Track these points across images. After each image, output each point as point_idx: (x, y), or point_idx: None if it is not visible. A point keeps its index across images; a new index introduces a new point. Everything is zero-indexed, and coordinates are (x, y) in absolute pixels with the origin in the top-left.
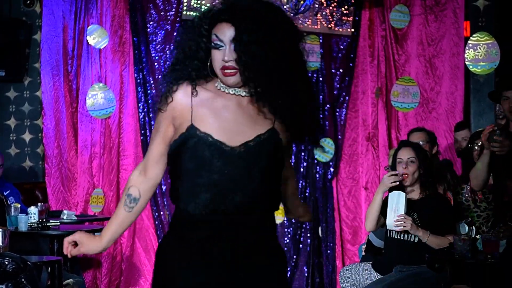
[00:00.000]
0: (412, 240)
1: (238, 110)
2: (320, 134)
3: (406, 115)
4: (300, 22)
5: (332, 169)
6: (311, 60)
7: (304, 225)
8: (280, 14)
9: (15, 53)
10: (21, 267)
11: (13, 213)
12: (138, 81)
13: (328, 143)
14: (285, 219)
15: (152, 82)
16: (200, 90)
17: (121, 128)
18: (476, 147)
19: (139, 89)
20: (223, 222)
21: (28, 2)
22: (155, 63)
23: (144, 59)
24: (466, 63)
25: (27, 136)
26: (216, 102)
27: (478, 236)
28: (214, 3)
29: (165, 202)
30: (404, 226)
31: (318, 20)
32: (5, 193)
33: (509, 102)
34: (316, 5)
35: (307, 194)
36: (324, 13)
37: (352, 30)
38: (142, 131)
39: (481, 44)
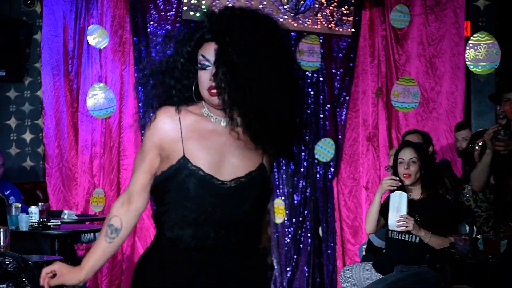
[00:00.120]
0: (413, 240)
1: (228, 140)
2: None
3: (407, 115)
4: (300, 22)
5: (332, 169)
6: (311, 60)
7: (304, 225)
8: (270, 26)
9: (16, 53)
10: (22, 267)
11: (14, 213)
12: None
13: (328, 143)
14: (286, 218)
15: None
16: (186, 112)
17: (121, 127)
18: (477, 147)
19: (140, 89)
20: (206, 259)
21: (29, 2)
22: (156, 74)
23: (144, 59)
24: (467, 63)
25: (27, 136)
26: (203, 127)
27: (479, 236)
28: (211, 8)
29: None
30: (406, 227)
31: (319, 20)
32: (6, 193)
33: (510, 104)
34: (316, 5)
35: (307, 194)
36: (324, 13)
37: (353, 30)
38: (143, 131)
39: (482, 44)
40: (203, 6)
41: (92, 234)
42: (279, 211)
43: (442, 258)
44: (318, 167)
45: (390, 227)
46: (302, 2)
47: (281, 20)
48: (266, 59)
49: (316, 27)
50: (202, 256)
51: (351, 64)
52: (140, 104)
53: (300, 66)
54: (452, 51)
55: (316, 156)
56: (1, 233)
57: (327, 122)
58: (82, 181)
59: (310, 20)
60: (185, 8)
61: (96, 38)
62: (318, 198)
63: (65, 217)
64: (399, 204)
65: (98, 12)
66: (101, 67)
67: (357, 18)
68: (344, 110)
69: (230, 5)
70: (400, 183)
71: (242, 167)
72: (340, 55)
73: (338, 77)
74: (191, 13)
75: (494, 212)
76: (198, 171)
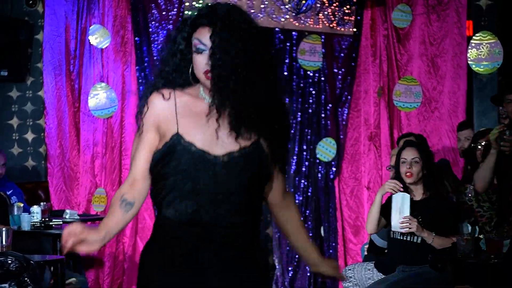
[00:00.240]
0: (415, 240)
1: (223, 120)
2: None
3: (408, 114)
4: (302, 21)
5: (334, 169)
6: (313, 60)
7: (306, 225)
8: (254, 24)
9: (18, 53)
10: (24, 266)
11: (16, 212)
12: (140, 80)
13: (330, 143)
14: None
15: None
16: (181, 93)
17: (123, 127)
18: (479, 147)
19: (141, 89)
20: (202, 234)
21: (31, 2)
22: (157, 63)
23: (146, 59)
24: (469, 62)
25: (29, 136)
26: (198, 106)
27: (481, 236)
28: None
29: None
30: (409, 228)
31: (320, 19)
32: (8, 193)
33: None
34: (318, 5)
35: (309, 193)
36: (326, 12)
37: (354, 29)
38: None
39: (484, 44)
40: (190, 13)
41: None
42: None
43: (444, 258)
44: (320, 166)
45: (393, 228)
46: (303, 1)
47: (283, 20)
48: (255, 46)
49: (317, 26)
50: (198, 231)
51: (352, 64)
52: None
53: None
54: (454, 50)
55: (318, 156)
56: (3, 232)
57: (328, 122)
58: (84, 181)
59: (311, 20)
60: (187, 7)
61: (98, 38)
62: (320, 197)
63: (67, 216)
64: (401, 205)
65: (100, 12)
66: (102, 67)
67: (358, 17)
68: (346, 109)
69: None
70: (402, 189)
71: (235, 143)
72: (342, 54)
73: (339, 77)
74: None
75: (497, 212)
76: (190, 147)
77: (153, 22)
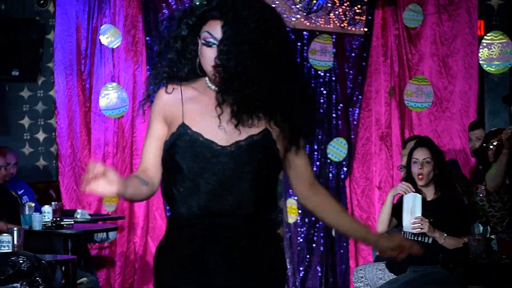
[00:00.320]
0: (426, 241)
1: (229, 109)
2: (313, 130)
3: (420, 114)
4: (313, 21)
5: (345, 169)
6: (324, 60)
7: (317, 225)
8: (272, 13)
9: (29, 53)
10: (36, 266)
11: (27, 212)
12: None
13: (341, 143)
14: (299, 218)
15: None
16: (187, 87)
17: (134, 127)
18: (491, 147)
19: (151, 88)
20: (214, 226)
21: (42, 1)
22: (157, 42)
23: (156, 59)
24: (480, 62)
25: (40, 136)
26: (205, 98)
27: (493, 236)
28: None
29: None
30: (421, 229)
31: (331, 19)
32: (19, 192)
33: None
34: (329, 4)
35: None
36: (337, 12)
37: (365, 29)
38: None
39: (496, 43)
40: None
41: (105, 233)
42: (292, 211)
43: (456, 259)
44: (331, 166)
45: (405, 229)
46: (314, 1)
47: (293, 19)
48: (269, 40)
49: (328, 26)
50: (204, 233)
51: (363, 64)
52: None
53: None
54: (466, 50)
55: (329, 156)
56: (15, 232)
57: (339, 122)
58: None
59: (322, 20)
60: None
61: (109, 37)
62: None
63: (78, 216)
64: (413, 205)
65: (111, 12)
66: (113, 66)
67: (369, 17)
68: (357, 109)
69: None
70: (414, 190)
71: (242, 132)
72: (353, 54)
73: (350, 77)
74: None
75: (508, 212)
76: (198, 136)
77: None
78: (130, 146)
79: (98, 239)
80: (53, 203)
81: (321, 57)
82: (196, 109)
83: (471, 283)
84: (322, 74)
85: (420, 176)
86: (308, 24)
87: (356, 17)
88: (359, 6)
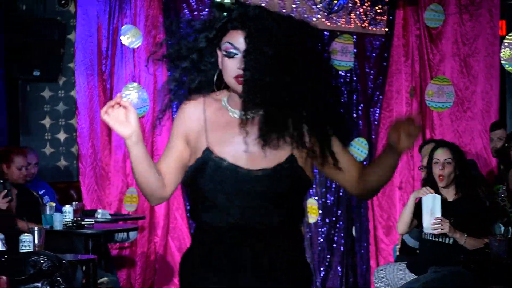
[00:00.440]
0: (447, 241)
1: (254, 128)
2: (349, 133)
3: (441, 114)
4: (334, 21)
5: None
6: (345, 60)
7: (338, 225)
8: (293, 23)
9: (50, 53)
10: (57, 266)
11: (48, 212)
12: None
13: (362, 143)
14: (319, 218)
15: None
16: (210, 104)
17: (155, 127)
18: None
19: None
20: (241, 239)
21: (63, 2)
22: (171, 48)
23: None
24: (502, 62)
25: (61, 136)
26: (225, 119)
27: None
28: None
29: None
30: (442, 229)
31: (352, 19)
32: (40, 192)
33: None
34: (350, 4)
35: (340, 194)
36: (357, 12)
37: (386, 29)
38: None
39: None
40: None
41: (125, 233)
42: (312, 211)
43: (477, 259)
44: None
45: (425, 230)
46: (335, 1)
47: (314, 19)
48: (294, 51)
49: (349, 26)
50: (234, 240)
51: (384, 64)
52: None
53: (332, 65)
54: (487, 50)
55: None
56: (36, 232)
57: (360, 122)
58: (116, 181)
59: (343, 20)
60: None
61: (130, 38)
62: (352, 198)
63: (99, 216)
64: (433, 206)
65: (132, 12)
66: (134, 67)
67: (391, 17)
68: (378, 109)
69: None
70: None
71: (269, 159)
72: (374, 54)
73: (371, 77)
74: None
75: None
76: (222, 162)
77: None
78: (150, 146)
79: (119, 239)
80: (74, 203)
81: (342, 57)
82: (219, 132)
83: (492, 284)
84: (343, 74)
85: (440, 177)
86: (329, 24)
87: (377, 17)
88: (380, 6)
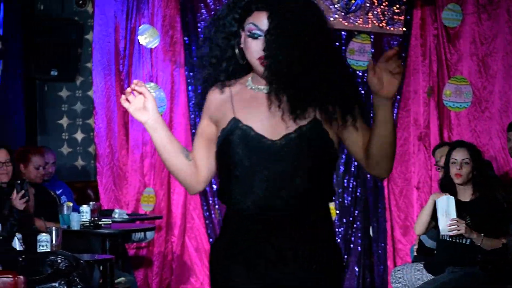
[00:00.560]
0: (464, 242)
1: (276, 103)
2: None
3: (459, 114)
4: (351, 21)
5: None
6: (362, 60)
7: (355, 225)
8: (315, 8)
9: (67, 53)
10: (74, 266)
11: (65, 212)
12: (189, 80)
13: None
14: (336, 218)
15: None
16: (235, 84)
17: (172, 127)
18: None
19: (190, 89)
20: (269, 221)
21: (81, 2)
22: (204, 44)
23: (195, 59)
24: None
25: (79, 135)
26: (252, 93)
27: None
28: None
29: (216, 202)
30: (458, 230)
31: (369, 19)
32: (58, 192)
33: None
34: (367, 4)
35: (358, 194)
36: (375, 12)
37: (404, 29)
38: (193, 130)
39: None
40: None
41: (142, 233)
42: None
43: (494, 259)
44: None
45: (442, 232)
46: (353, 1)
47: (332, 19)
48: (314, 31)
49: (367, 26)
50: (259, 227)
51: (402, 64)
52: (191, 104)
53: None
54: (505, 49)
55: None
56: (53, 232)
57: None
58: (133, 180)
59: (361, 19)
60: None
61: (147, 38)
62: (369, 198)
63: (116, 216)
64: (447, 208)
65: (149, 12)
66: (152, 66)
67: (408, 17)
68: (395, 109)
69: None
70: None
71: (291, 123)
72: None
73: None
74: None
75: None
76: (249, 131)
77: (202, 22)
78: None
79: (136, 239)
80: (91, 203)
81: (359, 57)
82: (244, 105)
83: (509, 284)
84: (360, 74)
85: (456, 174)
86: (346, 24)
87: (394, 17)
88: (397, 6)
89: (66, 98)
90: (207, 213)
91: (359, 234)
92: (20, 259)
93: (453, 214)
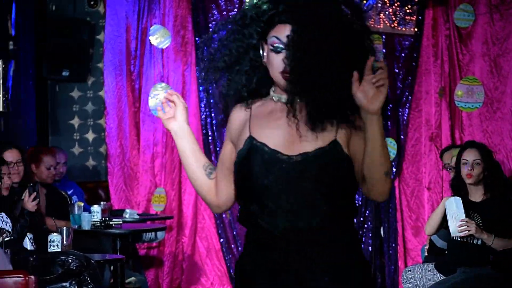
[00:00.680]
0: (475, 242)
1: (298, 119)
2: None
3: (470, 115)
4: None
5: (394, 169)
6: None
7: (366, 225)
8: (341, 17)
9: (79, 53)
10: (85, 265)
11: (76, 212)
12: (200, 81)
13: (390, 143)
14: None
15: (214, 82)
16: (257, 101)
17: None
18: None
19: (201, 89)
20: (292, 240)
21: (92, 2)
22: (216, 54)
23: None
24: None
25: (90, 136)
26: (269, 109)
27: None
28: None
29: None
30: (468, 231)
31: (381, 19)
32: (69, 192)
33: None
34: (379, 4)
35: None
36: (387, 12)
37: (416, 29)
38: (204, 131)
39: None
40: (264, 6)
41: (153, 233)
42: None
43: (506, 259)
44: None
45: (453, 234)
46: (364, 1)
47: None
48: (338, 44)
49: (378, 26)
50: (284, 244)
51: (413, 64)
52: (202, 104)
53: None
54: None
55: None
56: (64, 231)
57: (389, 122)
58: (144, 181)
59: (372, 20)
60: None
61: (159, 38)
62: None
63: (127, 216)
64: (456, 209)
65: (161, 12)
66: (163, 67)
67: (420, 17)
68: (407, 110)
69: None
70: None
71: (311, 143)
72: (403, 54)
73: (400, 77)
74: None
75: None
76: (263, 147)
77: (213, 22)
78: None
79: (147, 239)
80: (102, 203)
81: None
82: (261, 121)
83: None
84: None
85: (468, 175)
86: None
87: (406, 17)
88: (409, 6)
89: (77, 99)
90: (218, 214)
91: (370, 235)
92: (31, 259)
93: (462, 215)
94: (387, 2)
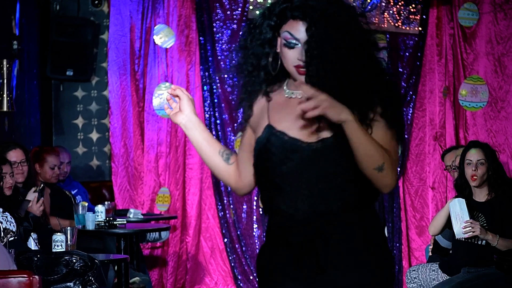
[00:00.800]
0: (479, 242)
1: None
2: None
3: (474, 114)
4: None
5: (398, 169)
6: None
7: None
8: (352, 13)
9: (83, 53)
10: (89, 265)
11: (80, 212)
12: (204, 80)
13: None
14: None
15: (218, 81)
16: (275, 91)
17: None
18: None
19: (205, 88)
20: (314, 226)
21: (96, 2)
22: (221, 63)
23: (210, 59)
24: None
25: (94, 135)
26: (285, 99)
27: None
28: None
29: (231, 201)
30: (473, 232)
31: (385, 18)
32: (73, 192)
33: None
34: (383, 4)
35: None
36: (391, 11)
37: (420, 28)
38: (208, 130)
39: None
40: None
41: (157, 233)
42: None
43: (510, 259)
44: None
45: (457, 236)
46: (369, 0)
47: None
48: (350, 39)
49: (383, 25)
50: (307, 227)
51: (418, 63)
52: (206, 103)
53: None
54: None
55: None
56: (68, 231)
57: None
58: (148, 180)
59: (376, 19)
60: (251, 7)
61: (163, 37)
62: (384, 197)
63: (131, 216)
64: (460, 211)
65: (165, 12)
66: (167, 66)
67: (424, 16)
68: (411, 109)
69: None
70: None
71: (329, 130)
72: (407, 53)
73: (404, 76)
74: (257, 12)
75: None
76: (283, 136)
77: (217, 22)
78: (183, 145)
79: (151, 239)
80: (106, 202)
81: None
82: (279, 109)
83: None
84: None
85: (474, 177)
86: None
87: (410, 16)
88: (413, 5)
89: (81, 98)
90: (222, 213)
91: None
92: (35, 259)
93: (466, 216)
94: (391, 1)
